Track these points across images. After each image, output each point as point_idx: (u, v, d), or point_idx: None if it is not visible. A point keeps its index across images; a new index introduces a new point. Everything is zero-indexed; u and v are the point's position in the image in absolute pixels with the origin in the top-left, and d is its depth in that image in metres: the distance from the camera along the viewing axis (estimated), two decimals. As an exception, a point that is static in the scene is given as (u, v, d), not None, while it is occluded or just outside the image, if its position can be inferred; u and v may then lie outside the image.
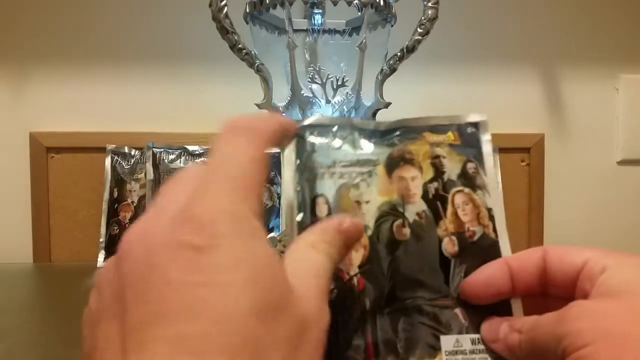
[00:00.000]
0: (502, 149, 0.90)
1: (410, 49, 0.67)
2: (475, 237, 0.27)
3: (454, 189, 0.27)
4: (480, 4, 0.94)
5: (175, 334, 0.15)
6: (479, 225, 0.27)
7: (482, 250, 0.26)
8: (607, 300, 0.22)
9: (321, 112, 0.66)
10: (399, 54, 0.67)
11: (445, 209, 0.27)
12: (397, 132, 0.28)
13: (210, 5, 0.63)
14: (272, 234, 0.81)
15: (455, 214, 0.27)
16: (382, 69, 0.68)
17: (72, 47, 0.89)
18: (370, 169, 0.27)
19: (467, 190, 0.27)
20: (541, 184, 0.94)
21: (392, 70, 0.68)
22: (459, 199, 0.27)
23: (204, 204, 0.18)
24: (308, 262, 0.20)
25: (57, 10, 0.88)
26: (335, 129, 0.28)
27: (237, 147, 0.20)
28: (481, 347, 0.25)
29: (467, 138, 0.29)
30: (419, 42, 0.66)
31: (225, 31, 0.63)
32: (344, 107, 0.67)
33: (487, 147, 0.29)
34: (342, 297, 0.24)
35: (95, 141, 0.86)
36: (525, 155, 0.94)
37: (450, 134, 0.29)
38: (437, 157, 0.28)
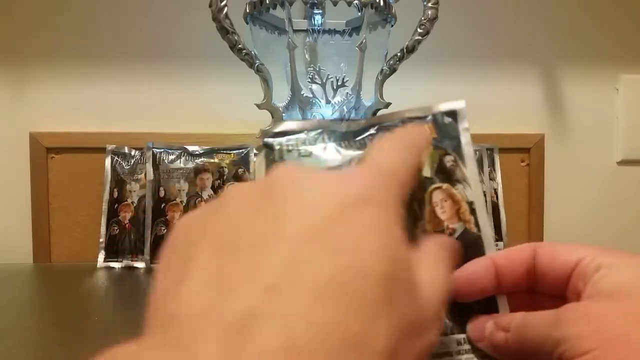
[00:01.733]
0: (502, 149, 0.90)
1: (410, 49, 0.67)
2: (456, 235, 0.26)
3: (432, 186, 0.26)
4: (480, 4, 0.94)
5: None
6: (459, 222, 0.26)
7: (464, 247, 0.26)
8: (604, 302, 0.21)
9: (321, 113, 0.66)
10: (399, 54, 0.67)
11: (422, 210, 0.26)
12: (370, 132, 0.27)
13: (210, 6, 0.63)
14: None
15: (434, 212, 0.26)
16: (382, 69, 0.68)
17: (72, 47, 0.89)
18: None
19: (445, 186, 0.26)
20: (541, 184, 0.94)
21: (392, 70, 0.68)
22: (436, 197, 0.26)
23: None
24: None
25: (57, 10, 0.88)
26: (303, 134, 0.27)
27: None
28: (467, 347, 0.24)
29: (444, 129, 0.27)
30: (419, 42, 0.66)
31: (225, 31, 0.63)
32: (344, 107, 0.67)
33: (465, 137, 0.27)
34: None
35: (95, 141, 0.86)
36: (525, 155, 0.94)
37: (426, 127, 0.27)
38: None
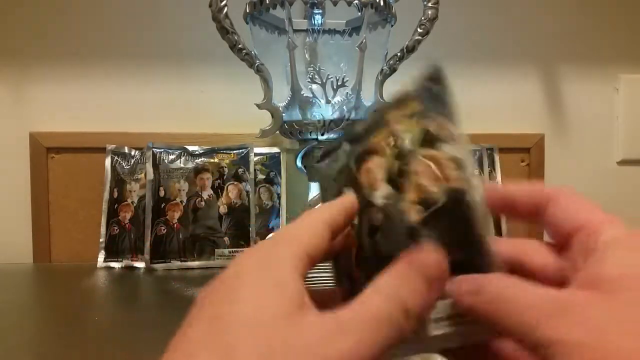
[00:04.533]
0: (502, 149, 0.90)
1: (410, 49, 0.67)
2: (440, 201, 0.24)
3: (414, 159, 0.26)
4: (480, 5, 0.94)
5: None
6: (441, 183, 0.25)
7: (449, 210, 0.24)
8: (602, 299, 0.19)
9: (321, 112, 0.66)
10: (399, 54, 0.67)
11: (407, 181, 0.26)
12: (367, 126, 0.29)
13: (210, 6, 0.63)
14: (272, 234, 0.81)
15: (417, 182, 0.25)
16: (382, 69, 0.68)
17: (72, 47, 0.89)
18: (348, 171, 0.28)
19: (426, 152, 0.26)
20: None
21: (392, 70, 0.68)
22: (418, 166, 0.26)
23: None
24: None
25: (57, 10, 0.88)
26: (339, 149, 0.30)
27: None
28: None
29: (432, 98, 0.27)
30: (419, 42, 0.66)
31: (225, 31, 0.63)
32: (344, 107, 0.67)
33: (451, 98, 0.27)
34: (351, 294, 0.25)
35: (95, 141, 0.86)
36: (525, 155, 0.94)
37: (413, 104, 0.28)
38: (396, 139, 0.27)
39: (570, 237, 0.23)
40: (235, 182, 0.81)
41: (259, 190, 0.84)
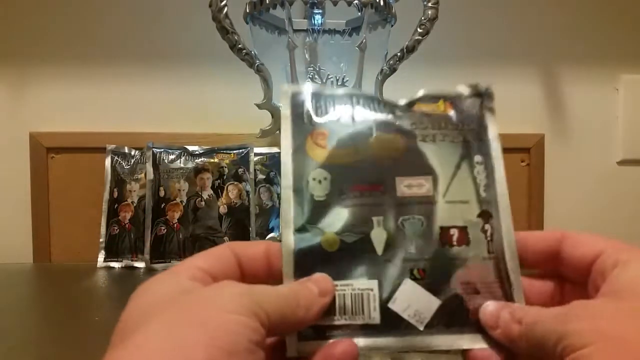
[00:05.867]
0: (502, 149, 0.90)
1: (410, 49, 0.67)
2: None
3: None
4: (480, 4, 0.94)
5: None
6: None
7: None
8: (612, 300, 0.21)
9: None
10: (399, 54, 0.67)
11: None
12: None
13: (210, 6, 0.63)
14: (272, 234, 0.81)
15: None
16: (382, 69, 0.68)
17: (72, 47, 0.89)
18: None
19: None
20: (541, 184, 0.94)
21: (392, 70, 0.68)
22: None
23: None
24: None
25: (57, 11, 0.88)
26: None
27: None
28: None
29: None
30: (419, 42, 0.67)
31: (225, 31, 0.63)
32: (344, 107, 0.67)
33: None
34: None
35: (95, 141, 0.86)
36: (525, 155, 0.94)
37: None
38: None
39: (589, 265, 0.24)
40: (235, 182, 0.81)
41: (259, 190, 0.84)
